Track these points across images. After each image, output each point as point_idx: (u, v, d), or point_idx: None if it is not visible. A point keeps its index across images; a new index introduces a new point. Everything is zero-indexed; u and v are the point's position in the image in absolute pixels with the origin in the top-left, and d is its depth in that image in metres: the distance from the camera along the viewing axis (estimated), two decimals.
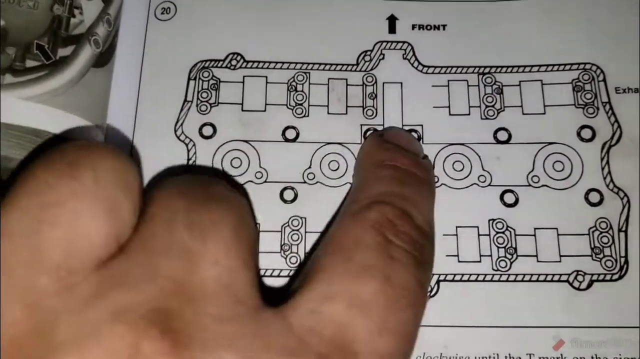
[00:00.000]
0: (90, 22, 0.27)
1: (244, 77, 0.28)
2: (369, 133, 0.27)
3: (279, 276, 0.25)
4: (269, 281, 0.25)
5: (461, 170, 0.27)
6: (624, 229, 0.26)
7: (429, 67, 0.29)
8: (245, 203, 0.21)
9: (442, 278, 0.26)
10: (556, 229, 0.26)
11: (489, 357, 0.24)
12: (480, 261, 0.26)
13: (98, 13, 0.27)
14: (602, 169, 0.27)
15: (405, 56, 0.29)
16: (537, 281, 0.25)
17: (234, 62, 0.29)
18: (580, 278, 0.25)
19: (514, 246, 0.26)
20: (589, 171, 0.27)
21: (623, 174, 0.27)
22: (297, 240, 0.26)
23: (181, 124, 0.27)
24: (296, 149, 0.27)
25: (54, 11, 0.26)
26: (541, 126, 0.27)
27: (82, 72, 0.26)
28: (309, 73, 0.28)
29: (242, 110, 0.28)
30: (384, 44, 0.29)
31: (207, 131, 0.28)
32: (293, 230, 0.26)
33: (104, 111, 0.27)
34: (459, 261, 0.26)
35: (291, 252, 0.26)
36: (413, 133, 0.28)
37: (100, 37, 0.27)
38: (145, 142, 0.27)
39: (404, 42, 0.29)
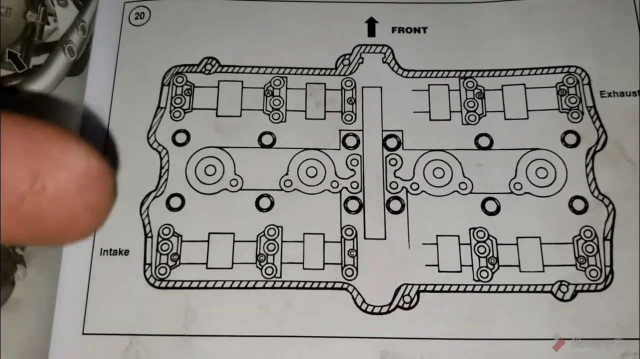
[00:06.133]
0: (64, 30, 0.26)
1: (219, 82, 0.28)
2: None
3: (254, 287, 0.25)
4: (244, 293, 0.25)
5: (441, 177, 0.26)
6: (609, 237, 0.25)
7: (409, 70, 0.28)
8: None
9: (422, 288, 0.25)
10: (539, 238, 0.25)
11: None
12: (461, 271, 0.25)
13: (73, 20, 0.27)
14: (587, 175, 0.26)
15: (385, 60, 0.28)
16: (520, 291, 0.25)
17: (208, 67, 0.28)
18: (564, 288, 0.25)
19: (495, 255, 0.25)
20: (573, 177, 0.26)
21: (608, 181, 0.26)
22: (273, 250, 0.25)
23: (154, 132, 0.27)
24: (273, 155, 0.27)
25: (27, 18, 0.26)
26: (524, 131, 0.27)
27: (56, 82, 0.25)
28: (286, 77, 0.28)
29: (217, 116, 0.27)
30: (363, 47, 0.28)
31: (181, 137, 0.27)
32: (269, 240, 0.26)
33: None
34: (439, 271, 0.25)
35: (267, 263, 0.25)
36: (393, 138, 0.27)
37: (75, 45, 0.26)
38: (118, 151, 0.26)
39: (383, 46, 0.28)
